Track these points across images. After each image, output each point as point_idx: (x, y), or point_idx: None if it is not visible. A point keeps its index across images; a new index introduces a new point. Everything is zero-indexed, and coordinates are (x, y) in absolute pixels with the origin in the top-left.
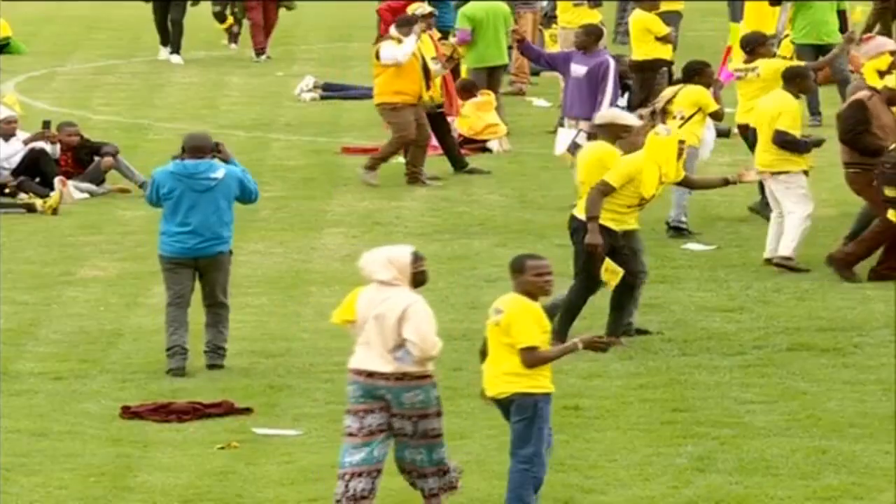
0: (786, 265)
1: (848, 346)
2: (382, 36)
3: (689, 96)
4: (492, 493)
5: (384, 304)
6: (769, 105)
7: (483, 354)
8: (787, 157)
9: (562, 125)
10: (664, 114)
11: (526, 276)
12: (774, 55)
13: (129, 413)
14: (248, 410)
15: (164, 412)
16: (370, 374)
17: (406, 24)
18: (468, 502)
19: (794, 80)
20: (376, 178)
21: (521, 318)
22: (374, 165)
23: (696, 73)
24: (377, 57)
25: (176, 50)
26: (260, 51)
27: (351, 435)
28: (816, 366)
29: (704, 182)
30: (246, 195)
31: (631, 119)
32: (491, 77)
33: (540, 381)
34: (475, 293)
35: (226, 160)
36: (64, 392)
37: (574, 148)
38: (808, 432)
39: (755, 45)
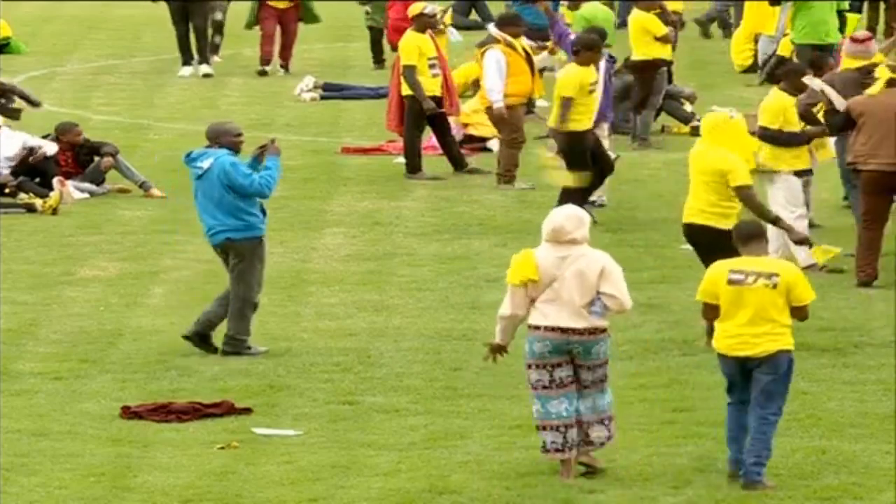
0: (812, 271)
1: (848, 346)
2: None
3: None
4: (491, 492)
5: (580, 262)
6: (763, 103)
7: (711, 316)
8: (777, 156)
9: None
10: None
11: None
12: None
13: (129, 413)
14: (247, 410)
15: (164, 412)
16: (563, 331)
17: (511, 24)
18: (468, 502)
19: (788, 78)
20: (514, 184)
21: (802, 279)
22: (509, 177)
23: (818, 66)
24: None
25: (204, 59)
26: (280, 63)
27: (545, 388)
28: (816, 366)
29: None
30: (237, 189)
31: None
32: None
33: (791, 339)
34: (475, 293)
35: (260, 159)
36: (64, 392)
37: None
38: (808, 432)
39: (586, 50)
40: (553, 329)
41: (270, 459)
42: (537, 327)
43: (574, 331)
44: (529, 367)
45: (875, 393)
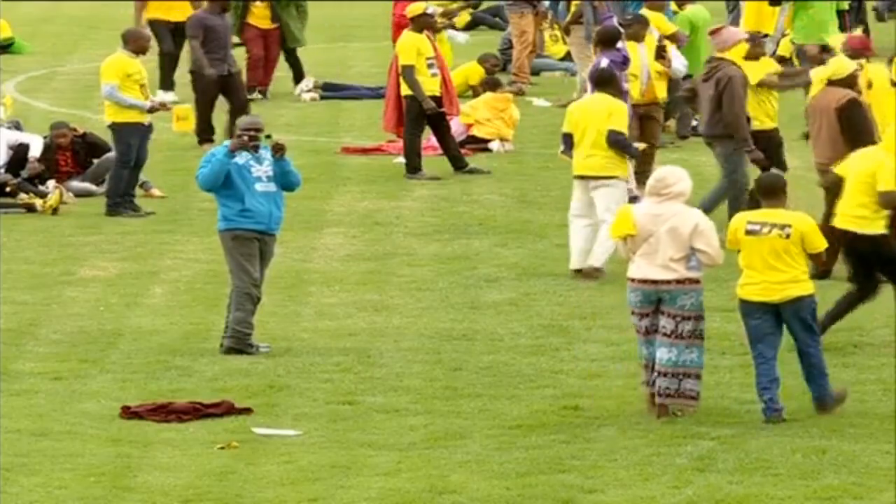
0: (594, 276)
1: (848, 346)
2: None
3: None
4: (491, 493)
5: (674, 219)
6: (596, 108)
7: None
8: (616, 163)
9: None
10: None
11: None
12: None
13: (129, 413)
14: (248, 410)
15: (164, 412)
16: (654, 282)
17: (633, 23)
18: (468, 502)
19: (610, 83)
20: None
21: (814, 228)
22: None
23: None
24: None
25: (169, 86)
26: (257, 88)
27: (639, 332)
28: None
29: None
30: None
31: None
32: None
33: (812, 285)
34: (475, 293)
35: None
36: (64, 392)
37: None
38: (808, 432)
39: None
40: (644, 281)
41: (270, 459)
42: (632, 279)
43: (662, 282)
44: (631, 313)
45: (875, 393)
